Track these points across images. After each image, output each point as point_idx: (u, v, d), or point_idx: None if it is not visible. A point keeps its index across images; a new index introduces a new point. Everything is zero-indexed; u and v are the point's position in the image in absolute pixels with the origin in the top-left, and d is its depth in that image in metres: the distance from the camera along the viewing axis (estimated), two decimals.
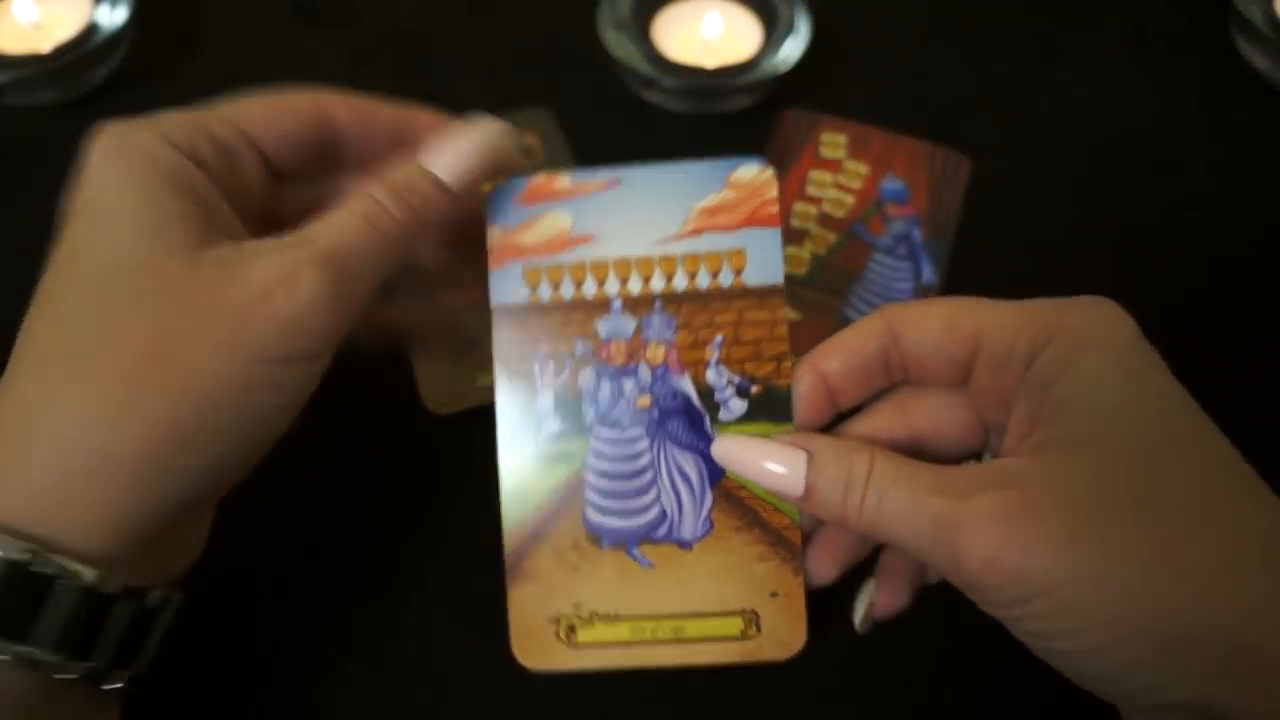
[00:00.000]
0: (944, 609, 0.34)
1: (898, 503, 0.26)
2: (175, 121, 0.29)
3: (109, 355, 0.25)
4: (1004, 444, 0.28)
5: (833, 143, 0.48)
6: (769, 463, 0.28)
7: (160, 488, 0.26)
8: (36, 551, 0.24)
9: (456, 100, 0.50)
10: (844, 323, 0.42)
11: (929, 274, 0.44)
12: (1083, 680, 0.26)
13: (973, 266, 0.44)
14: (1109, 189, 0.47)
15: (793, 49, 0.48)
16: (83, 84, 0.49)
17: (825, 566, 0.30)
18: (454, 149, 0.30)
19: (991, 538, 0.24)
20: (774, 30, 0.49)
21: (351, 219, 0.28)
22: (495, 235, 0.31)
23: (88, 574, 0.25)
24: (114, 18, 0.48)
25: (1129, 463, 0.25)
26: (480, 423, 0.32)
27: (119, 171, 0.27)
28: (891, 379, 0.30)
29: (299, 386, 0.27)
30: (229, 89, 0.50)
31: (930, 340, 0.28)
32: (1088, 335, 0.26)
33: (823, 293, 0.43)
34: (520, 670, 0.30)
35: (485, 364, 0.39)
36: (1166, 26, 0.53)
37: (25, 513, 0.25)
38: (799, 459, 0.27)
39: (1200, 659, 0.23)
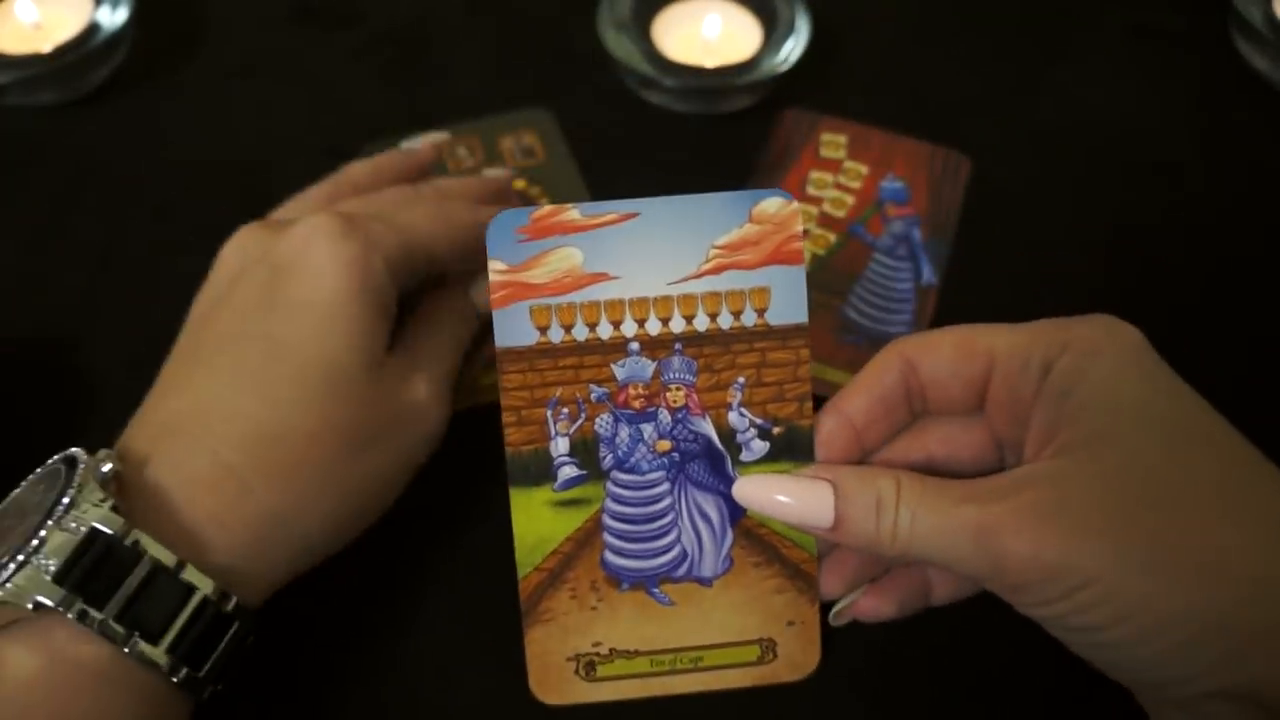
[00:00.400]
0: (947, 624, 0.34)
1: (931, 518, 0.26)
2: (389, 246, 0.33)
3: (317, 451, 0.30)
4: (1023, 455, 0.28)
5: (833, 143, 0.48)
6: (794, 498, 0.28)
7: (310, 559, 0.31)
8: (225, 595, 0.28)
9: (456, 100, 0.50)
10: (844, 322, 0.42)
11: (929, 274, 0.44)
12: (1125, 671, 0.26)
13: (973, 266, 0.44)
14: (1109, 189, 0.47)
15: (793, 49, 0.48)
16: (83, 84, 0.49)
17: (834, 584, 0.30)
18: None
19: (1032, 535, 0.24)
20: (774, 30, 0.49)
21: (452, 345, 0.35)
22: (498, 272, 0.29)
23: (216, 592, 0.28)
24: (114, 18, 0.48)
25: (1154, 456, 0.25)
26: (488, 417, 0.32)
27: (348, 284, 0.31)
28: (912, 412, 0.30)
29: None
30: (229, 89, 0.50)
31: (945, 363, 0.28)
32: (1100, 343, 0.27)
33: (823, 293, 0.43)
34: (535, 702, 0.30)
35: (488, 364, 0.39)
36: (1166, 26, 0.53)
37: (224, 570, 0.29)
38: (825, 490, 0.27)
39: (1246, 638, 0.24)
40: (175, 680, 0.28)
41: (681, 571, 0.30)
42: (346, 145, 0.47)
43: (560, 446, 0.29)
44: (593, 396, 0.29)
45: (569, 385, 0.29)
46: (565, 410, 0.29)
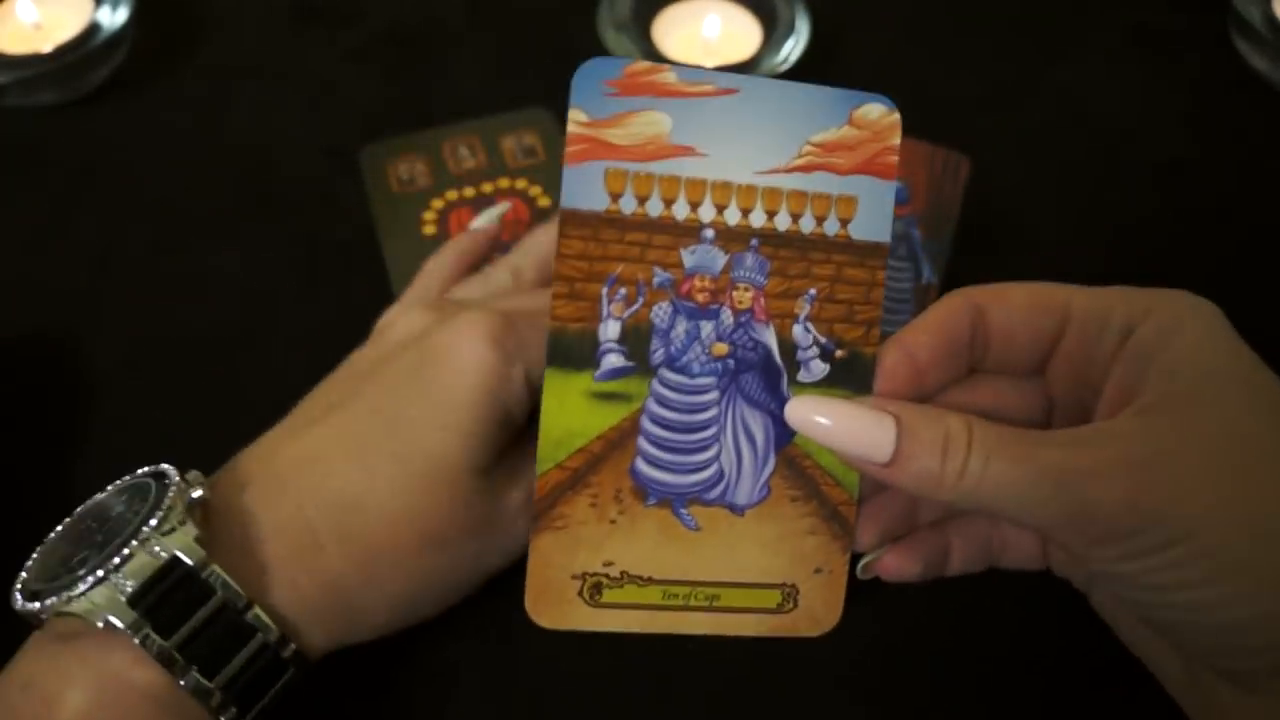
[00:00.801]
0: (956, 604, 0.34)
1: (1007, 462, 0.25)
2: (532, 359, 0.32)
3: (395, 528, 0.30)
4: (1095, 415, 0.27)
5: None
6: (854, 424, 0.26)
7: (360, 634, 0.31)
8: (284, 639, 0.29)
9: (456, 100, 0.50)
10: None
11: (929, 274, 0.44)
12: (1190, 634, 0.25)
13: (972, 266, 0.44)
14: (1108, 189, 0.47)
15: (793, 49, 0.48)
16: (83, 84, 0.49)
17: (870, 534, 0.29)
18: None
19: (1129, 483, 0.23)
20: (774, 30, 0.49)
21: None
22: (578, 123, 0.26)
23: (277, 638, 0.28)
24: (114, 18, 0.48)
25: (1248, 422, 0.25)
26: None
27: (485, 386, 0.31)
28: (973, 361, 0.29)
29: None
30: (229, 89, 0.51)
31: (1019, 313, 0.28)
32: (1182, 313, 0.26)
33: None
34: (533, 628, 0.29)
35: None
36: (1166, 26, 0.53)
37: (280, 617, 0.29)
38: (887, 421, 0.26)
39: None
40: (222, 718, 0.28)
41: (715, 494, 0.28)
42: (346, 145, 0.47)
43: (610, 330, 0.27)
44: (655, 281, 0.27)
45: (632, 263, 0.27)
46: (623, 291, 0.27)
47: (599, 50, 0.48)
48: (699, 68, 0.26)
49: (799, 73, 0.47)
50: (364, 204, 0.45)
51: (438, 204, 0.45)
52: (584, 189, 0.26)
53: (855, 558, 0.29)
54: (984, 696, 0.34)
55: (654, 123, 0.26)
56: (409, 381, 0.32)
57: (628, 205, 0.26)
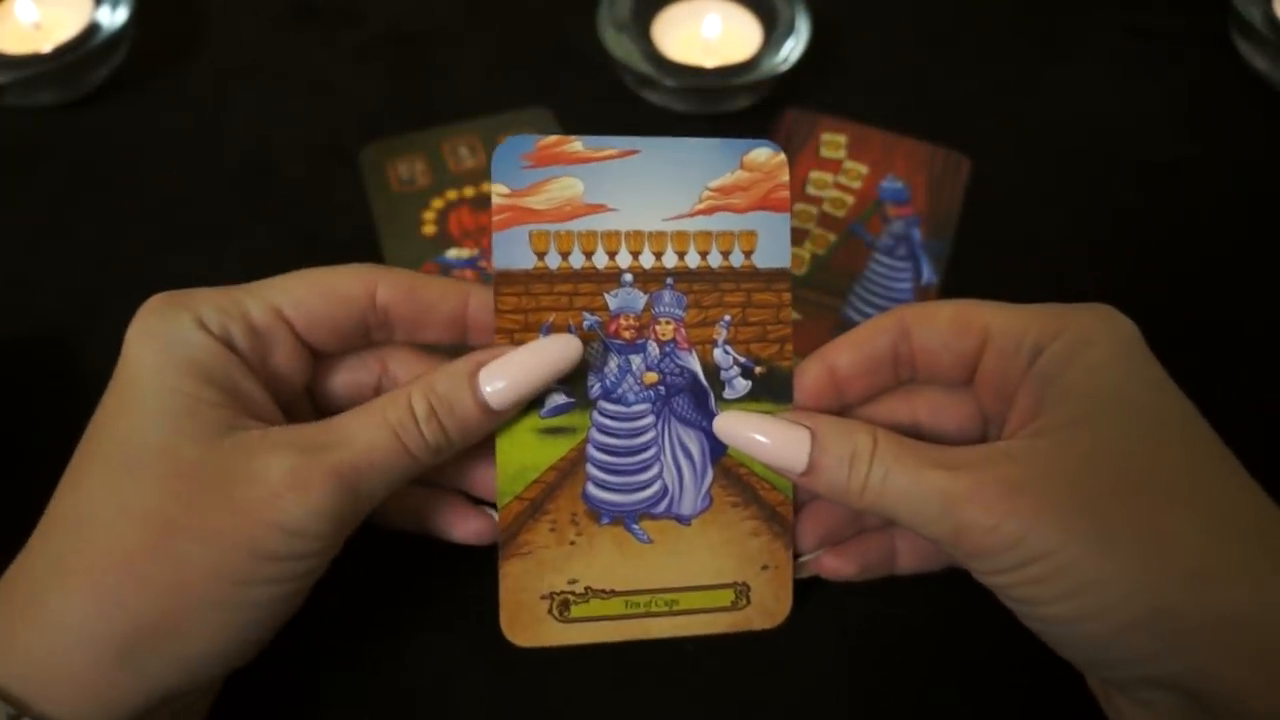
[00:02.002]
0: (931, 599, 0.34)
1: (902, 478, 0.27)
2: (211, 303, 0.28)
3: (114, 541, 0.26)
4: (1004, 431, 0.29)
5: (833, 143, 0.48)
6: (771, 439, 0.28)
7: (151, 674, 0.26)
8: (16, 717, 0.25)
9: (456, 100, 0.50)
10: (844, 323, 0.42)
11: (929, 274, 0.44)
12: (1068, 648, 0.27)
13: (972, 266, 0.44)
14: (1108, 189, 0.47)
15: (793, 49, 0.48)
16: (83, 84, 0.49)
17: (810, 536, 0.31)
18: (518, 374, 0.28)
19: (994, 509, 0.25)
20: (774, 30, 0.49)
21: (380, 432, 0.27)
22: (500, 195, 0.30)
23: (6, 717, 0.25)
24: (114, 18, 0.48)
25: (1123, 443, 0.26)
26: None
27: (151, 355, 0.27)
28: (899, 377, 0.31)
29: (298, 578, 0.27)
30: (229, 89, 0.50)
31: (940, 335, 0.29)
32: (1093, 332, 0.27)
33: (822, 293, 0.43)
34: (509, 646, 0.30)
35: None
36: (1166, 26, 0.53)
37: (18, 680, 0.25)
38: (802, 435, 0.28)
39: (1186, 628, 0.24)
40: None
41: (662, 508, 0.30)
42: (346, 145, 0.47)
43: None
44: (585, 324, 0.30)
45: (562, 311, 0.30)
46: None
47: (599, 50, 0.48)
48: (601, 135, 0.30)
49: (799, 73, 0.47)
50: (364, 204, 0.45)
51: (437, 203, 0.45)
52: (512, 251, 0.30)
53: (799, 555, 0.31)
54: (969, 699, 0.34)
55: (568, 187, 0.30)
56: (101, 415, 0.28)
57: (553, 261, 0.30)
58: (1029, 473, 0.26)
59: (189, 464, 0.26)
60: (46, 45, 0.47)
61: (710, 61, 0.48)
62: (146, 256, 0.44)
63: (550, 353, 0.28)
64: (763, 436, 0.28)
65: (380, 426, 0.27)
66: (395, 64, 0.51)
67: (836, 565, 0.31)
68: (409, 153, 0.47)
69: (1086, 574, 0.25)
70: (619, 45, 0.48)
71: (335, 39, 0.52)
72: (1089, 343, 0.27)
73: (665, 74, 0.47)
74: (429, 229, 0.44)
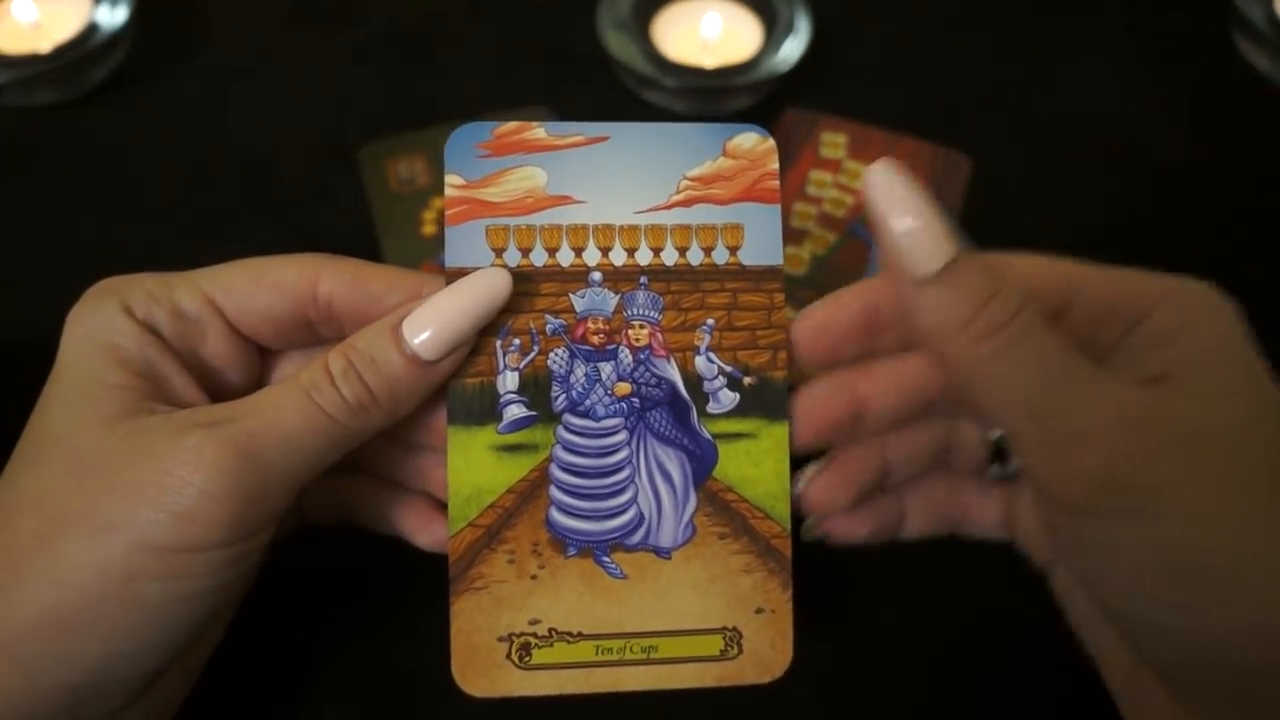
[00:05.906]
0: (928, 632, 0.34)
1: (1038, 355, 0.24)
2: (142, 289, 0.27)
3: (6, 532, 0.24)
4: None
5: (833, 143, 0.48)
6: (924, 219, 0.24)
7: (48, 674, 0.24)
8: None
9: (456, 100, 0.50)
10: None
11: None
12: (1121, 604, 0.25)
13: None
14: (1109, 189, 0.47)
15: (793, 49, 0.48)
16: (83, 84, 0.49)
17: (839, 492, 0.27)
18: (443, 318, 0.25)
19: (1121, 442, 0.23)
20: (774, 30, 0.49)
21: (291, 395, 0.25)
22: (454, 186, 0.27)
23: None
24: (114, 18, 0.48)
25: (1254, 425, 0.24)
26: None
27: (73, 344, 0.26)
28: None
29: (197, 576, 0.24)
30: (229, 89, 0.50)
31: (1022, 283, 0.26)
32: (1205, 304, 0.26)
33: (822, 293, 0.43)
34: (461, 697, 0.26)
35: None
36: (1166, 26, 0.53)
37: None
38: (951, 240, 0.24)
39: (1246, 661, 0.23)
40: None
41: (637, 538, 0.27)
42: (346, 145, 0.47)
43: (509, 381, 0.26)
44: (548, 329, 0.27)
45: (523, 314, 0.26)
46: (516, 342, 0.27)
47: (599, 50, 0.48)
48: (566, 121, 0.27)
49: (799, 72, 0.47)
50: (364, 203, 0.45)
51: (437, 203, 0.45)
52: (466, 247, 0.27)
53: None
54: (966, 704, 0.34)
55: (529, 177, 0.27)
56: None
57: (512, 258, 0.27)
58: (1173, 421, 0.23)
59: (83, 450, 0.24)
60: (46, 45, 0.47)
61: (710, 61, 0.48)
62: (146, 256, 0.44)
63: (475, 289, 0.25)
64: (914, 208, 0.24)
65: (291, 390, 0.25)
66: (395, 63, 0.51)
67: (849, 526, 0.28)
68: (409, 152, 0.47)
69: (1211, 558, 0.23)
70: (619, 45, 0.48)
71: (335, 38, 0.52)
72: (1193, 323, 0.25)
73: (665, 74, 0.47)
74: (428, 229, 0.44)
